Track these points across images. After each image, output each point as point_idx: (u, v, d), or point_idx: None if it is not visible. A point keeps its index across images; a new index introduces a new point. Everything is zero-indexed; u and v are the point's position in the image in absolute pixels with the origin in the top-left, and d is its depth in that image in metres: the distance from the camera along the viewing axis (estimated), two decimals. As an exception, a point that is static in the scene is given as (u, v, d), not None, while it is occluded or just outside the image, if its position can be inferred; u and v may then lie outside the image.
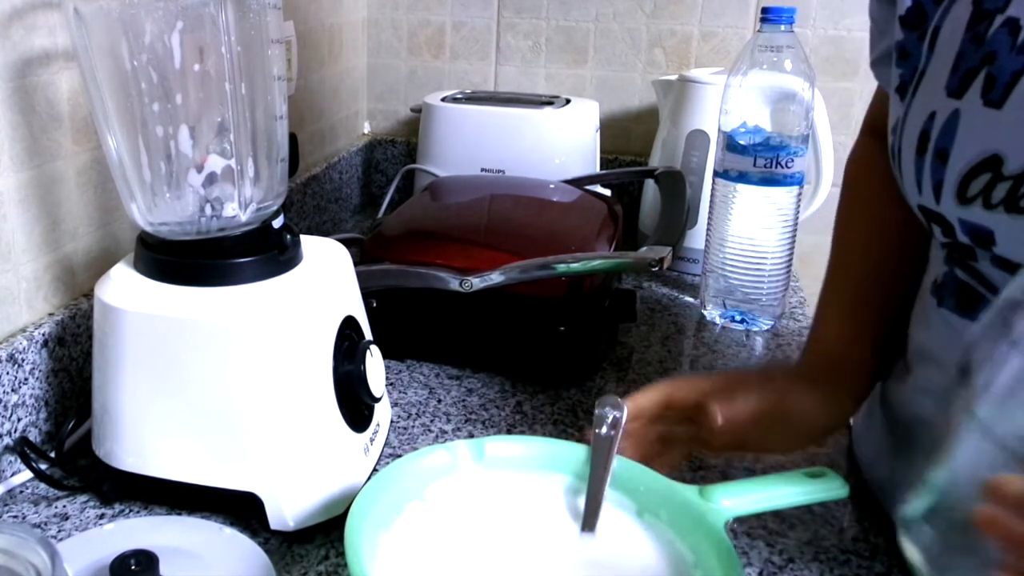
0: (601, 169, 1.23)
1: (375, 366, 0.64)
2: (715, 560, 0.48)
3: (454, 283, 0.77)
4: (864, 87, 1.26)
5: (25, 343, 0.65)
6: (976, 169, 0.48)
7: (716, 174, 0.94)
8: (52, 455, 0.64)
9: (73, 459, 0.65)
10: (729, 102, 0.91)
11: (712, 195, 0.95)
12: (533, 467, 0.56)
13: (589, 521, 0.52)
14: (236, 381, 0.57)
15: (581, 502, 0.54)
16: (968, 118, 0.49)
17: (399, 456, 0.69)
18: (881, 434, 0.66)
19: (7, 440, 0.64)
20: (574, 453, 0.56)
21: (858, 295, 0.66)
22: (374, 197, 1.42)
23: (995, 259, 0.50)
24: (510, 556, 0.51)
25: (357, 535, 0.46)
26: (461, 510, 0.53)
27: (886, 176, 0.61)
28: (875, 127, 0.68)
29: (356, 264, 0.69)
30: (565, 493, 0.55)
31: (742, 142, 0.90)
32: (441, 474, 0.54)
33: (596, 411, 0.57)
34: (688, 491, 0.53)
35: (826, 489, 0.55)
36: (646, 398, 0.58)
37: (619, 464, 0.54)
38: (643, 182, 1.22)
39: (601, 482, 0.53)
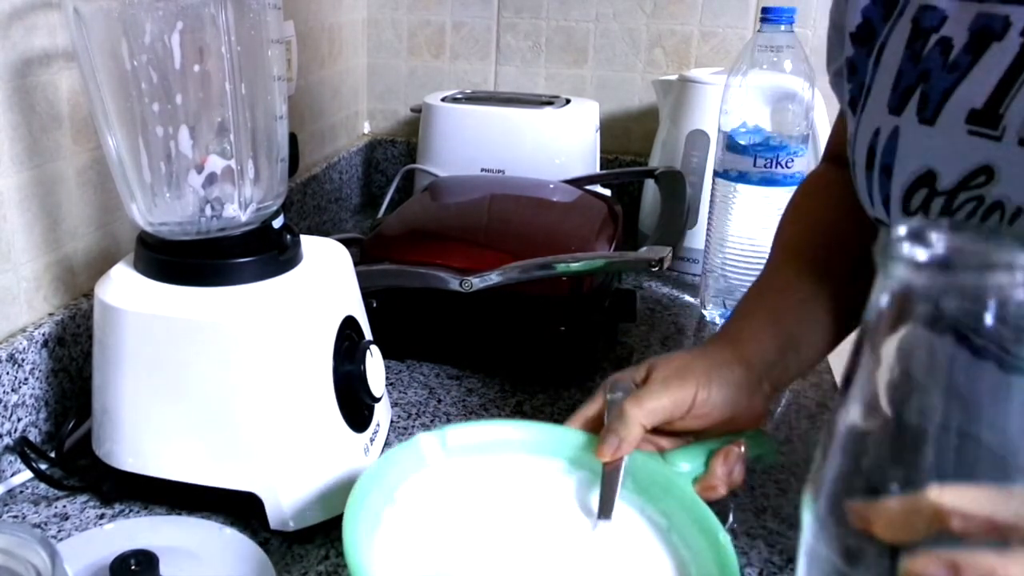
0: (601, 169, 1.23)
1: (375, 366, 0.64)
2: (688, 520, 0.51)
3: (454, 283, 0.77)
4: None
5: (25, 343, 0.65)
6: (915, 184, 0.49)
7: (716, 174, 0.94)
8: (52, 455, 0.64)
9: (73, 459, 0.65)
10: (729, 102, 0.91)
11: (712, 195, 0.95)
12: (497, 451, 0.56)
13: (605, 508, 0.53)
14: (236, 381, 0.57)
15: (552, 481, 0.55)
16: (906, 135, 0.50)
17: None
18: None
19: (7, 440, 0.64)
20: (536, 434, 0.57)
21: (780, 302, 0.65)
22: (374, 197, 1.42)
23: None
24: (492, 542, 0.51)
25: (356, 551, 0.46)
26: (432, 505, 0.53)
27: (836, 194, 0.63)
28: (836, 154, 0.69)
29: (356, 264, 0.69)
30: (533, 472, 0.56)
31: (742, 142, 0.90)
32: (409, 472, 0.54)
33: (608, 396, 0.57)
34: (653, 459, 0.55)
35: (757, 446, 0.59)
36: (651, 415, 0.56)
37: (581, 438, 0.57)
38: (643, 182, 1.22)
39: (616, 470, 0.54)
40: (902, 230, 0.28)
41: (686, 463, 0.56)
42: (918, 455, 0.28)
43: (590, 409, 0.59)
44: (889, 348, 0.28)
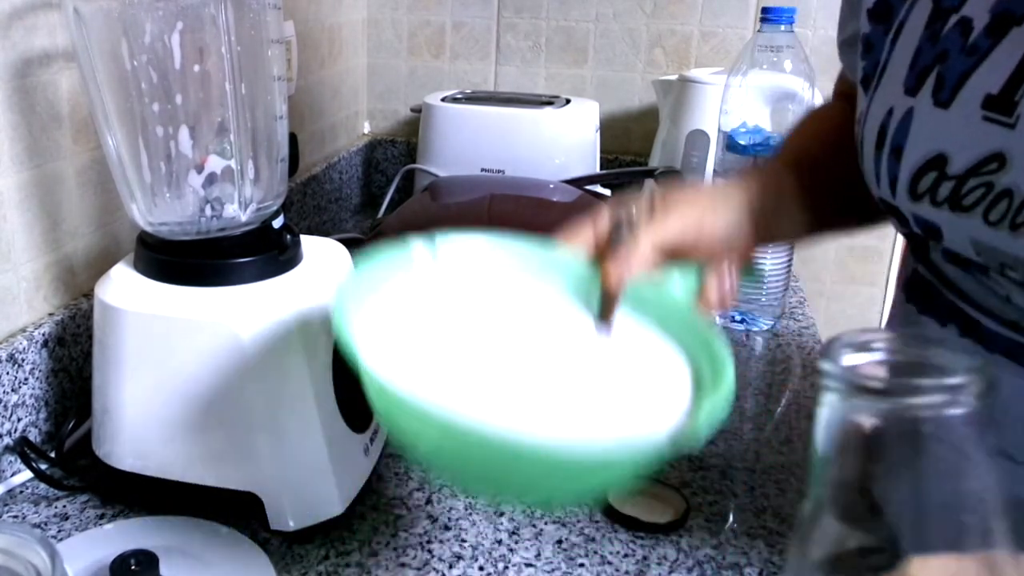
0: (601, 169, 1.23)
1: (375, 366, 0.64)
2: (681, 327, 0.51)
3: (454, 283, 0.77)
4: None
5: (25, 343, 0.65)
6: (924, 167, 0.49)
7: (716, 174, 0.94)
8: (52, 455, 0.64)
9: (73, 459, 0.65)
10: (729, 102, 0.91)
11: (712, 195, 0.95)
12: (491, 268, 0.55)
13: (604, 326, 0.52)
14: (236, 381, 0.57)
15: (547, 300, 0.53)
16: (920, 117, 0.49)
17: (399, 456, 0.69)
18: None
19: (7, 440, 0.64)
20: (533, 256, 0.55)
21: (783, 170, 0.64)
22: (374, 197, 1.42)
23: (945, 252, 0.51)
24: (481, 336, 0.50)
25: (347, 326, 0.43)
26: (419, 301, 0.51)
27: (835, 136, 0.63)
28: (843, 92, 0.69)
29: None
30: (528, 290, 0.54)
31: (742, 142, 0.90)
32: (397, 272, 0.52)
33: (614, 224, 0.55)
34: (645, 278, 0.54)
35: (747, 270, 0.59)
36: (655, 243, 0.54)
37: (567, 256, 0.55)
38: (643, 182, 1.22)
39: (617, 295, 0.52)
40: (838, 356, 0.30)
41: (678, 281, 0.55)
42: (891, 526, 0.30)
43: (586, 234, 0.56)
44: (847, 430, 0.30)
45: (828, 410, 0.30)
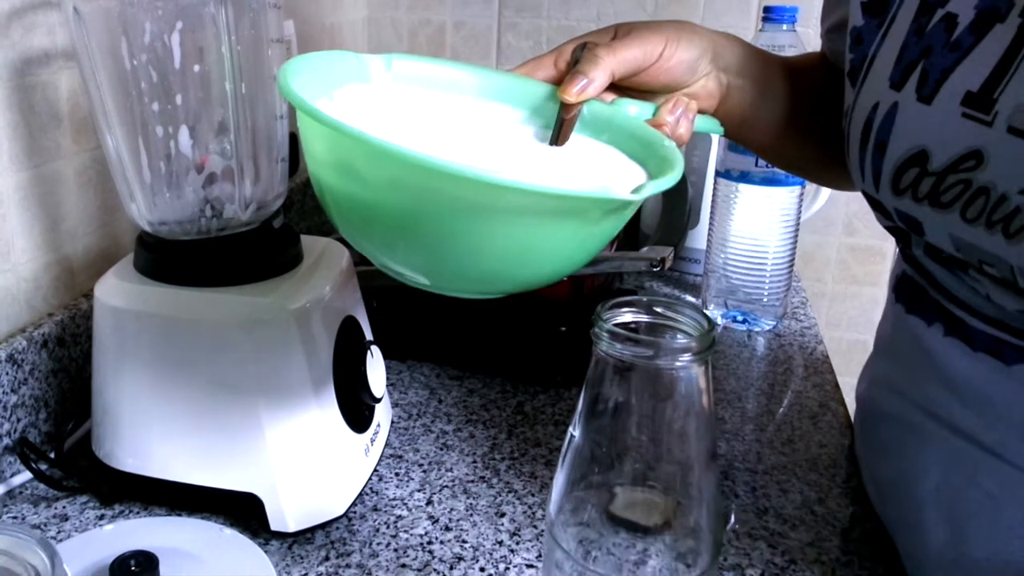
0: (602, 169, 1.23)
1: (375, 366, 0.64)
2: (633, 139, 0.52)
3: (455, 283, 0.77)
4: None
5: (25, 343, 0.65)
6: (907, 163, 0.49)
7: (718, 174, 0.94)
8: (52, 456, 0.64)
9: (73, 460, 0.65)
10: (731, 102, 0.91)
11: (714, 195, 0.95)
12: (448, 90, 0.54)
13: (559, 139, 0.52)
14: (236, 381, 0.56)
15: (506, 124, 0.53)
16: (903, 112, 0.49)
17: (400, 457, 0.69)
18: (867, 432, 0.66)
19: (7, 441, 0.64)
20: (493, 80, 0.55)
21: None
22: (375, 197, 1.42)
23: (926, 247, 0.51)
24: (438, 143, 0.49)
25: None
26: (373, 114, 0.50)
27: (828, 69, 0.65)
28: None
29: (356, 264, 0.69)
30: (486, 114, 0.54)
31: (744, 142, 0.90)
32: (349, 79, 0.50)
33: (575, 48, 0.56)
34: (601, 102, 0.54)
35: (705, 121, 0.59)
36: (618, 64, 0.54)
37: (544, 88, 0.55)
38: (644, 182, 1.21)
39: (574, 116, 0.52)
40: (609, 311, 0.41)
41: (635, 107, 0.55)
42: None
43: (541, 70, 0.55)
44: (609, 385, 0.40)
45: (596, 349, 0.40)
